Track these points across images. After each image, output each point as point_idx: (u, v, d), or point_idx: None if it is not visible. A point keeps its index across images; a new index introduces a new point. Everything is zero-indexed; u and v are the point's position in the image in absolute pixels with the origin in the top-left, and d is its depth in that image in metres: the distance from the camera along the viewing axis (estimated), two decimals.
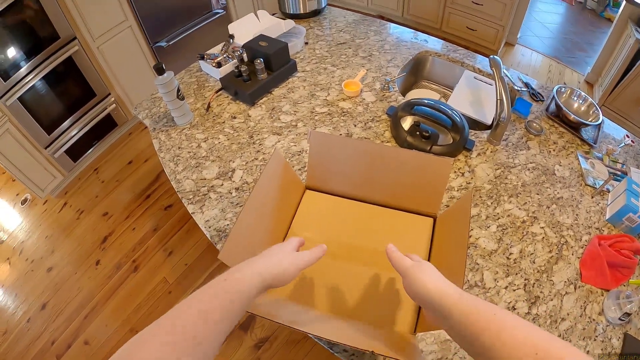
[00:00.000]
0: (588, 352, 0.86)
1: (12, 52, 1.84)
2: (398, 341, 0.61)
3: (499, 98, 1.13)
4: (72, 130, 2.22)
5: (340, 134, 1.16)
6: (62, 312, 1.83)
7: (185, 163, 1.13)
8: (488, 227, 1.00)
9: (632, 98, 2.94)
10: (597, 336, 0.89)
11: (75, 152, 2.30)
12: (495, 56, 1.17)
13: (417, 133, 1.05)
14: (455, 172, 1.09)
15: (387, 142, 1.15)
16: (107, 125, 2.41)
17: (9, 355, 1.74)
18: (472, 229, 1.00)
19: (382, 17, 3.74)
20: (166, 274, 1.90)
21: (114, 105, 2.37)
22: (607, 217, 1.13)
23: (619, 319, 0.91)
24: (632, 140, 1.46)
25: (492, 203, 1.06)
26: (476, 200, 1.05)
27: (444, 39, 1.91)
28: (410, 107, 1.12)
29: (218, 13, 2.58)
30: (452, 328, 0.45)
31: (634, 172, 1.32)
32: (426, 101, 1.13)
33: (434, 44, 1.56)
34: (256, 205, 0.70)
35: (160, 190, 2.25)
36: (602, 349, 0.87)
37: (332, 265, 0.76)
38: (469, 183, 1.08)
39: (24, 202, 2.34)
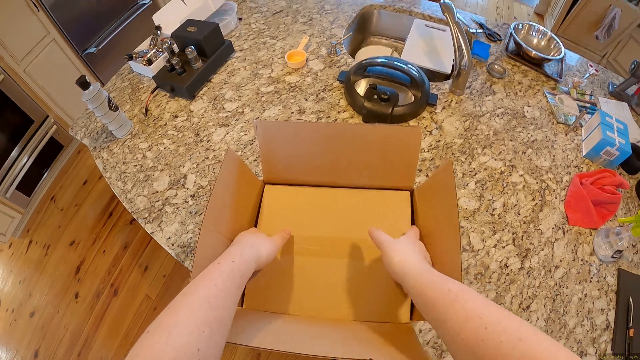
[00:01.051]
0: (585, 294, 0.84)
1: None
2: (397, 339, 0.54)
3: (456, 44, 1.04)
4: (18, 165, 2.04)
5: (292, 112, 1.06)
6: (54, 355, 1.75)
7: (133, 179, 1.01)
8: (466, 185, 0.93)
9: (585, 24, 2.90)
10: (592, 277, 0.87)
11: (27, 185, 2.13)
12: (446, 0, 1.07)
13: (375, 96, 0.95)
14: (422, 131, 1.01)
15: (344, 111, 1.06)
16: (52, 149, 2.23)
17: None
18: None
19: None
20: (147, 291, 1.83)
21: (55, 126, 2.18)
22: (584, 154, 1.09)
23: (612, 257, 0.90)
24: (595, 70, 1.41)
25: (466, 158, 0.98)
26: (449, 157, 0.98)
27: None
28: (362, 69, 1.02)
29: (145, 4, 2.35)
30: (416, 304, 0.47)
31: (603, 102, 1.28)
32: (379, 60, 1.03)
33: None
34: (215, 216, 0.59)
35: (122, 205, 2.12)
36: (598, 289, 0.85)
37: (309, 264, 0.66)
38: (439, 141, 1.00)
39: None
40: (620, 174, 1.08)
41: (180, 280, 1.85)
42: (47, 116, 2.14)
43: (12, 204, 2.07)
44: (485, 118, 1.08)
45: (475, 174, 0.96)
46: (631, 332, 0.85)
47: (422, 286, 0.45)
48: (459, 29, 1.02)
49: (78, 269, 1.95)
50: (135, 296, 1.82)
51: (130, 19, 2.29)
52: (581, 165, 1.06)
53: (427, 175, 0.94)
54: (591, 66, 1.42)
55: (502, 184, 0.96)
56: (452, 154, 0.98)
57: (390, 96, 0.95)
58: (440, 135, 1.01)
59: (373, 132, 0.66)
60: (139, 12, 2.33)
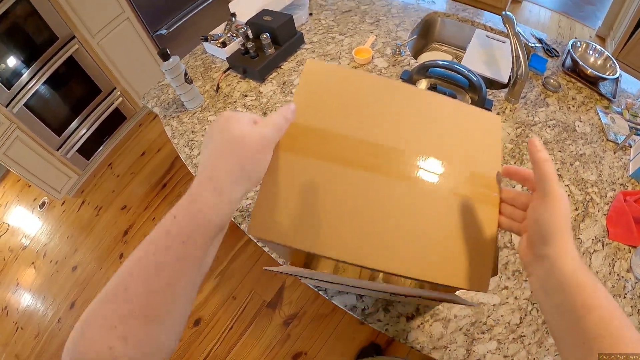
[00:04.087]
0: None
1: (12, 59, 1.83)
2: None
3: (514, 55, 1.10)
4: (82, 129, 2.22)
5: None
6: None
7: (200, 146, 1.12)
8: (513, 186, 0.98)
9: None
10: (626, 294, 0.88)
11: (88, 150, 2.31)
12: (507, 12, 1.13)
13: None
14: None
15: None
16: (116, 119, 2.41)
17: (43, 356, 1.79)
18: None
19: None
20: None
21: (121, 98, 2.36)
22: (630, 173, 1.11)
23: None
24: None
25: (515, 162, 1.04)
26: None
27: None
28: (425, 70, 1.09)
29: None
30: (553, 292, 0.36)
31: None
32: (441, 62, 1.10)
33: (441, 4, 1.51)
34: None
35: (176, 178, 2.26)
36: (631, 306, 0.86)
37: (353, 181, 0.45)
38: None
39: (42, 205, 2.37)
40: None
41: (224, 252, 1.89)
42: (115, 88, 2.32)
43: (71, 164, 2.24)
44: (537, 127, 1.13)
45: None
46: None
47: (581, 280, 0.35)
48: (517, 40, 1.07)
49: (126, 232, 2.09)
50: None
51: (202, 6, 2.46)
52: (627, 184, 1.08)
53: None
54: None
55: None
56: (502, 157, 1.04)
57: (449, 96, 1.02)
58: None
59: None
60: (210, 0, 2.49)
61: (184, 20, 2.37)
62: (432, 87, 1.04)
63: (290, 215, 0.43)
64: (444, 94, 1.03)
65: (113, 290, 0.33)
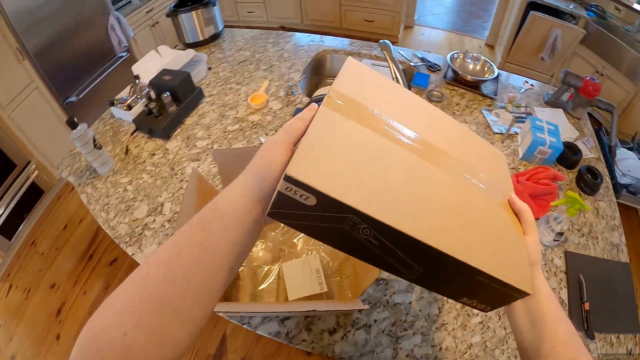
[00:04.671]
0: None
1: None
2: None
3: (393, 76, 1.23)
4: (0, 209, 2.11)
5: (255, 145, 1.22)
6: None
7: (115, 209, 1.13)
8: None
9: (531, 49, 3.25)
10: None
11: (8, 230, 2.17)
12: (384, 40, 1.27)
13: None
14: None
15: None
16: (34, 194, 2.30)
17: None
18: None
19: (283, 28, 3.85)
20: None
21: (37, 172, 2.27)
22: (520, 156, 1.26)
23: (554, 240, 1.00)
24: (531, 85, 1.64)
25: None
26: None
27: (346, 36, 2.02)
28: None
29: (122, 56, 2.55)
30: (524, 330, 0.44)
31: (539, 111, 1.47)
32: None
33: (330, 42, 1.66)
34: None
35: (102, 247, 2.19)
36: (547, 271, 0.96)
37: (404, 158, 0.43)
38: None
39: None
40: (559, 170, 1.23)
41: None
42: (29, 161, 2.23)
43: None
44: None
45: None
46: (586, 306, 0.92)
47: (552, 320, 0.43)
48: (394, 63, 1.22)
49: (59, 311, 1.97)
50: None
51: (109, 70, 2.47)
52: (519, 167, 1.21)
53: None
54: (526, 82, 1.65)
55: None
56: None
57: None
58: None
59: None
60: (117, 63, 2.52)
61: (92, 85, 2.37)
62: None
63: (341, 170, 0.37)
64: None
65: (134, 277, 0.33)
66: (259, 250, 0.92)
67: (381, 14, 3.53)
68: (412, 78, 1.50)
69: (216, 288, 0.36)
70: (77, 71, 2.35)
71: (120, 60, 2.54)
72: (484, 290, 0.42)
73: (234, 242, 0.37)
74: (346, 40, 1.67)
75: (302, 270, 0.86)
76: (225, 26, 1.84)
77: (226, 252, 0.36)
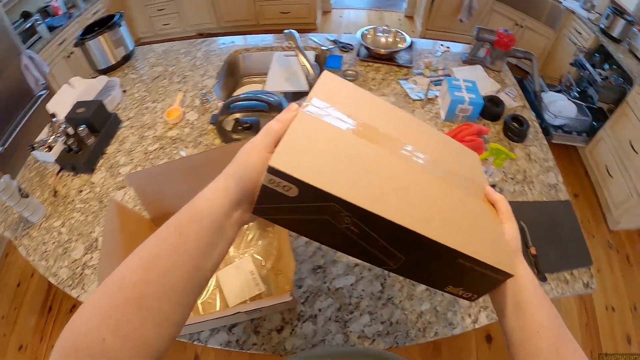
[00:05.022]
0: None
1: None
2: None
3: (302, 64, 1.25)
4: None
5: (166, 162, 1.21)
6: None
7: (54, 255, 1.11)
8: None
9: (449, 13, 3.35)
10: None
11: None
12: (289, 30, 1.28)
13: (239, 128, 1.14)
14: None
15: None
16: None
17: None
18: None
19: (201, 35, 3.78)
20: None
21: None
22: (443, 118, 1.30)
23: None
24: (447, 47, 1.69)
25: None
26: None
27: (265, 32, 2.00)
28: (227, 108, 1.20)
29: (41, 95, 2.44)
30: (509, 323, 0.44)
31: (457, 71, 1.51)
32: (241, 96, 1.22)
33: (241, 42, 1.66)
34: (110, 254, 0.70)
35: (58, 296, 2.13)
36: None
37: (384, 153, 0.45)
38: None
39: None
40: (485, 124, 1.27)
41: None
42: None
43: None
44: None
45: None
46: (532, 250, 0.94)
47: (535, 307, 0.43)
48: (300, 51, 1.24)
49: None
50: None
51: (31, 111, 2.36)
52: (442, 129, 1.23)
53: None
54: (442, 45, 1.70)
55: None
56: None
57: (252, 124, 1.14)
58: None
59: (226, 150, 0.78)
60: (38, 103, 2.41)
61: (16, 132, 2.26)
62: (236, 121, 1.15)
63: (322, 162, 0.38)
64: (246, 122, 1.15)
65: (111, 280, 0.33)
66: None
67: (296, 3, 3.56)
68: (325, 62, 1.53)
69: (194, 290, 0.37)
70: None
71: (40, 100, 2.43)
72: (468, 276, 0.43)
73: (211, 244, 0.37)
74: (257, 37, 1.67)
75: (237, 275, 0.87)
76: (143, 43, 1.81)
77: (203, 254, 0.36)
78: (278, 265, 0.91)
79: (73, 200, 1.22)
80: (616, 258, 2.16)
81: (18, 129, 2.28)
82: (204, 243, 0.36)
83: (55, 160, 1.31)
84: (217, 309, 0.86)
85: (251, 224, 0.98)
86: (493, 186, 1.01)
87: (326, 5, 3.98)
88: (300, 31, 1.67)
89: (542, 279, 0.91)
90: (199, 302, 0.88)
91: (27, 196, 1.16)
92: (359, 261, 0.92)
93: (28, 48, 2.45)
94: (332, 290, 0.88)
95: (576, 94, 2.51)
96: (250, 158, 0.39)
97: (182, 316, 0.35)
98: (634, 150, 2.09)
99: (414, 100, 1.36)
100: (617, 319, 1.94)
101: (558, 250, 0.97)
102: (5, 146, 2.22)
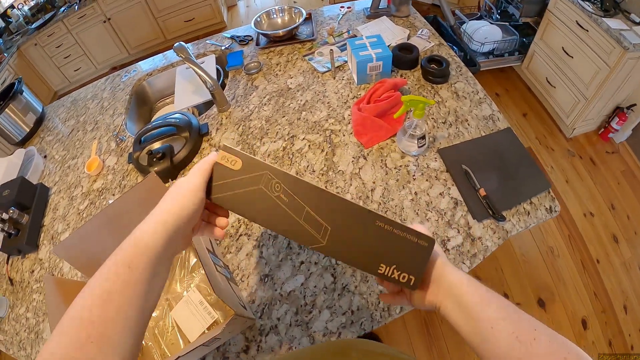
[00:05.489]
0: (415, 193, 0.91)
1: None
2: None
3: (199, 76, 1.21)
4: None
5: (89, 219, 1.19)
6: None
7: (29, 341, 1.10)
8: None
9: None
10: (414, 175, 0.95)
11: None
12: (179, 43, 1.23)
13: (154, 160, 1.11)
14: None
15: None
16: None
17: None
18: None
19: (115, 69, 3.66)
20: None
21: None
22: (357, 82, 1.26)
23: (419, 146, 0.97)
24: (348, 7, 1.63)
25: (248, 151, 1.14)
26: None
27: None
28: (138, 143, 1.17)
29: None
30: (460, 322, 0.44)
31: (362, 29, 1.45)
32: (145, 128, 1.19)
33: (143, 66, 1.60)
34: None
35: None
36: (427, 180, 0.94)
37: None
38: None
39: None
40: (403, 75, 1.22)
41: None
42: None
43: None
44: (255, 114, 1.25)
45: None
46: (482, 192, 0.90)
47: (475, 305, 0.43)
48: (193, 63, 1.19)
49: None
50: None
51: None
52: (359, 94, 1.19)
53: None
54: (342, 7, 1.65)
55: (289, 157, 1.09)
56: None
57: (164, 151, 1.11)
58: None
59: (132, 195, 0.77)
60: None
61: None
62: (148, 154, 1.12)
63: None
64: (158, 152, 1.12)
65: (68, 319, 0.35)
66: None
67: (197, 7, 3.46)
68: (226, 63, 1.48)
69: (145, 320, 0.40)
70: None
71: None
72: (392, 245, 0.46)
73: (155, 274, 0.40)
74: (157, 57, 1.61)
75: (188, 309, 0.87)
76: (62, 95, 1.74)
77: (150, 285, 0.39)
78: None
79: (29, 282, 1.21)
80: (581, 163, 2.17)
81: None
82: (150, 274, 0.39)
83: (0, 249, 1.29)
84: (182, 347, 0.86)
85: (190, 252, 0.97)
86: (423, 137, 0.95)
87: (230, 1, 3.84)
88: (211, 34, 1.61)
89: (500, 218, 0.86)
90: (163, 346, 0.88)
91: None
92: (304, 258, 0.90)
93: None
94: (285, 295, 0.86)
95: (497, 16, 2.48)
96: (187, 199, 0.44)
97: (137, 347, 0.38)
98: (568, 54, 2.08)
99: (323, 72, 1.32)
100: (599, 222, 1.96)
101: (511, 182, 0.92)
102: None
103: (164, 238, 0.41)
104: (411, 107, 0.91)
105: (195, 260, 0.96)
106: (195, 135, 1.17)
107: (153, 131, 1.17)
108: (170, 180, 1.11)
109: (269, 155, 1.13)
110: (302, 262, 0.90)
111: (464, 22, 2.45)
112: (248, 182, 0.47)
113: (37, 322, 1.12)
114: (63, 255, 0.85)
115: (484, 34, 2.33)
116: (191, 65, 1.19)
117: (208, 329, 0.85)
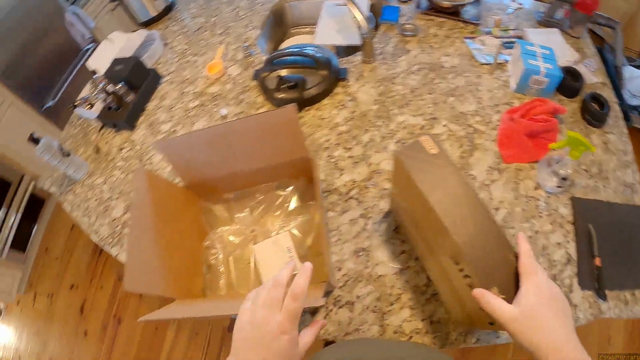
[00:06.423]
0: (536, 231, 0.82)
1: None
2: None
3: (354, 16, 1.10)
4: (7, 226, 2.14)
5: (216, 120, 1.14)
6: None
7: (95, 212, 1.10)
8: (385, 147, 0.98)
9: None
10: (540, 212, 0.86)
11: (20, 243, 2.24)
12: None
13: (283, 87, 1.02)
14: (336, 107, 1.07)
15: (262, 106, 1.13)
16: (36, 204, 2.34)
17: None
18: (370, 156, 0.98)
19: None
20: (146, 313, 1.94)
21: (33, 182, 2.28)
22: (513, 89, 1.10)
23: (558, 186, 0.87)
24: (519, 4, 1.44)
25: (383, 122, 1.04)
26: (366, 125, 1.03)
27: None
28: (270, 64, 1.09)
29: (88, 49, 2.42)
30: None
31: (531, 33, 1.28)
32: (285, 51, 1.10)
33: None
34: (140, 228, 0.70)
35: None
36: (550, 223, 0.84)
37: None
38: (354, 112, 1.07)
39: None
40: (560, 100, 1.06)
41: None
42: (23, 175, 2.23)
43: (10, 263, 2.18)
44: (400, 78, 1.13)
45: (394, 134, 1.01)
46: (597, 261, 0.79)
47: None
48: (351, 2, 1.07)
49: (82, 309, 2.08)
50: (137, 321, 1.94)
51: (79, 65, 2.36)
52: (512, 101, 1.05)
53: (344, 148, 1.00)
54: (514, 1, 1.45)
55: None
56: (369, 120, 1.04)
57: (297, 82, 1.02)
58: (356, 105, 1.08)
59: (254, 121, 0.72)
60: (85, 57, 2.40)
61: (67, 84, 2.29)
62: (279, 78, 1.04)
63: None
64: (290, 81, 1.03)
65: None
66: (228, 234, 0.86)
67: None
68: (380, 14, 1.34)
69: None
70: (48, 77, 2.27)
71: (88, 54, 2.41)
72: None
73: None
74: None
75: (274, 250, 0.80)
76: None
77: None
78: (318, 246, 0.82)
79: (114, 158, 1.20)
80: None
81: (67, 83, 2.30)
82: None
83: (97, 117, 1.28)
84: (250, 284, 0.80)
85: (293, 197, 0.89)
86: (565, 179, 0.85)
87: None
88: None
89: (602, 296, 0.76)
90: (232, 275, 0.82)
91: (68, 155, 1.14)
92: (406, 248, 0.82)
93: (72, 4, 2.42)
94: (374, 277, 0.79)
95: None
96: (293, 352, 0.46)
97: None
98: None
99: (482, 64, 1.17)
100: None
101: (624, 263, 0.81)
102: (56, 99, 2.26)
103: None
104: (571, 145, 0.79)
105: (295, 205, 0.88)
106: (332, 77, 1.06)
107: (289, 57, 1.08)
108: None
109: (404, 127, 1.02)
110: (403, 252, 0.82)
111: (623, 65, 2.15)
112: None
113: (110, 197, 1.10)
114: (163, 151, 0.80)
115: (639, 85, 2.03)
116: (349, 4, 1.07)
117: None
